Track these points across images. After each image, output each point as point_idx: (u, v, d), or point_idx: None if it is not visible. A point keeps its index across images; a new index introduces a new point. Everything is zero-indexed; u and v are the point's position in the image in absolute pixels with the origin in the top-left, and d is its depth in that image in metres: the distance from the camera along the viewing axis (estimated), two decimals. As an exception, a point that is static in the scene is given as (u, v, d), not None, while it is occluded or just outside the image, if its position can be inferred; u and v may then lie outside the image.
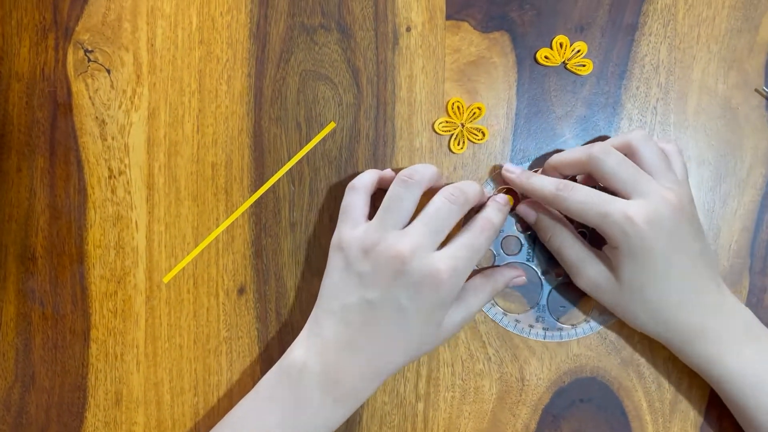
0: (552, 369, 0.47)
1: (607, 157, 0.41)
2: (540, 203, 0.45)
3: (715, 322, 0.42)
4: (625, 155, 0.42)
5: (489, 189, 0.47)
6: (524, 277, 0.46)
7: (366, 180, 0.44)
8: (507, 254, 0.48)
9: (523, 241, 0.48)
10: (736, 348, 0.42)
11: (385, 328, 0.41)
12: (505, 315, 0.47)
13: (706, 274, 0.42)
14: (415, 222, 0.41)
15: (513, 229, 0.48)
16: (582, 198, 0.41)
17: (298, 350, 0.42)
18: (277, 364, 0.43)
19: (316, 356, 0.42)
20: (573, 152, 0.44)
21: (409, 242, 0.40)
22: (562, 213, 0.45)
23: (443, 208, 0.41)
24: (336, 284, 0.42)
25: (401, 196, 0.41)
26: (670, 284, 0.41)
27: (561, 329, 0.47)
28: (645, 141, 0.42)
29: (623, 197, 0.41)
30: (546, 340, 0.47)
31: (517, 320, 0.47)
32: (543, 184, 0.43)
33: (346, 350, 0.41)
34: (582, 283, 0.44)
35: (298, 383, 0.42)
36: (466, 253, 0.41)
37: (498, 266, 0.47)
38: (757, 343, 0.42)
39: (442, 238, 0.41)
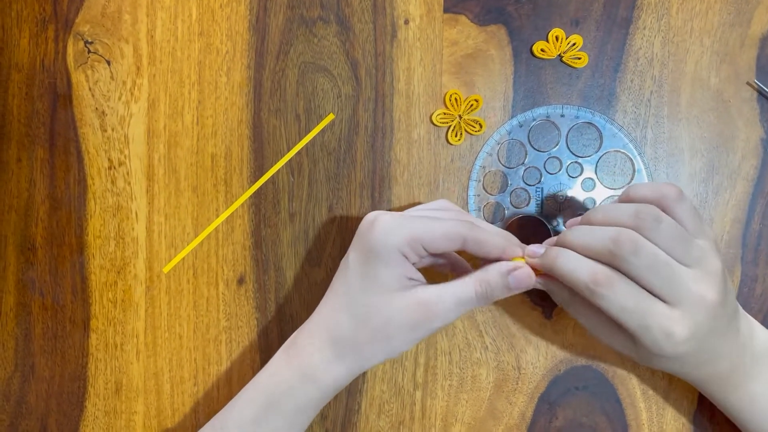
0: (548, 357, 0.48)
1: (637, 259, 0.37)
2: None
3: (728, 365, 0.41)
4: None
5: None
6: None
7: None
8: (515, 207, 0.48)
9: (532, 194, 0.48)
10: (745, 384, 0.42)
11: (334, 284, 0.42)
12: None
13: (731, 333, 0.41)
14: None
15: (521, 182, 0.48)
16: (622, 302, 0.37)
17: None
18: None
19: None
20: (594, 238, 0.38)
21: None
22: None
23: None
24: None
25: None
26: (698, 364, 0.41)
27: None
28: (678, 203, 0.39)
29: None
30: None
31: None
32: (576, 271, 0.38)
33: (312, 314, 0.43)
34: (601, 343, 0.43)
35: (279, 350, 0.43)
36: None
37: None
38: (764, 373, 0.42)
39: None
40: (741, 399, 0.42)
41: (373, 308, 0.39)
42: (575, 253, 0.39)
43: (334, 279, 0.42)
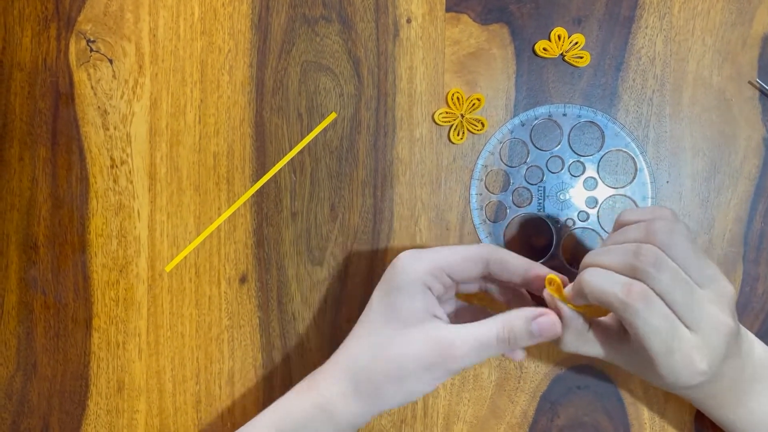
0: (550, 356, 0.48)
1: (659, 273, 0.36)
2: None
3: (728, 383, 0.41)
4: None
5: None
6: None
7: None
8: (517, 206, 0.48)
9: (534, 193, 0.48)
10: (745, 401, 0.41)
11: (360, 319, 0.42)
12: None
13: (734, 353, 0.39)
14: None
15: (523, 181, 0.48)
16: (654, 321, 0.36)
17: None
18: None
19: None
20: (615, 254, 0.38)
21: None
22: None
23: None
24: None
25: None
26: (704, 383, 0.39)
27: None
28: (670, 237, 0.37)
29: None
30: None
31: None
32: (607, 285, 0.37)
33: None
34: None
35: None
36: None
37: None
38: (763, 390, 0.41)
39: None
40: (740, 416, 0.41)
41: (390, 338, 0.39)
42: (604, 269, 0.38)
43: (360, 316, 0.42)
